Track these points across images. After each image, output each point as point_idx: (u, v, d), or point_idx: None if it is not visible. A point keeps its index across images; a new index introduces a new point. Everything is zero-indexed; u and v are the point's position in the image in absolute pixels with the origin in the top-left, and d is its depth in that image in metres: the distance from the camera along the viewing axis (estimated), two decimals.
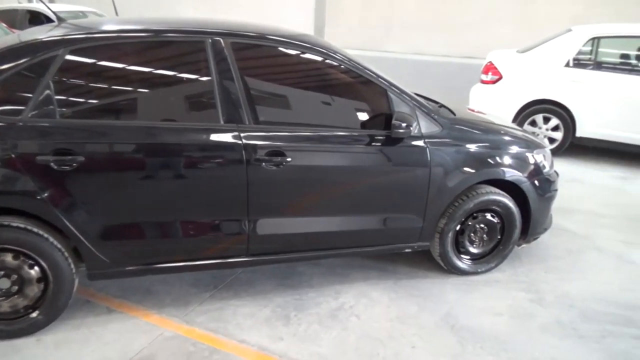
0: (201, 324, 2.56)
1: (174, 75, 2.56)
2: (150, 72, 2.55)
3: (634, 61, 5.78)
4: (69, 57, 2.30)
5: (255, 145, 2.46)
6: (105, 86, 2.48)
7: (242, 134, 2.44)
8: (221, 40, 2.49)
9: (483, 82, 6.03)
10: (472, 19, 9.89)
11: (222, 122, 2.44)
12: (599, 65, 5.69)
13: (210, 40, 2.48)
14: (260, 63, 2.78)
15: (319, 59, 2.71)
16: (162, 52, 2.57)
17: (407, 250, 2.99)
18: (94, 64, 2.40)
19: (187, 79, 2.59)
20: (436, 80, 8.26)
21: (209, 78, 2.47)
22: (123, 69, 2.47)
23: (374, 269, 3.16)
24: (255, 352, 2.38)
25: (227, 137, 2.43)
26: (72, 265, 2.39)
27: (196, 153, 2.44)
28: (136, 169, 2.38)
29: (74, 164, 2.23)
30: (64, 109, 2.29)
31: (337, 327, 2.59)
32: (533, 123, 5.83)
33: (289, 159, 2.50)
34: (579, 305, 2.87)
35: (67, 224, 2.30)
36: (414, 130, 2.72)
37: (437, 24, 10.29)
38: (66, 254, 2.35)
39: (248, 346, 2.42)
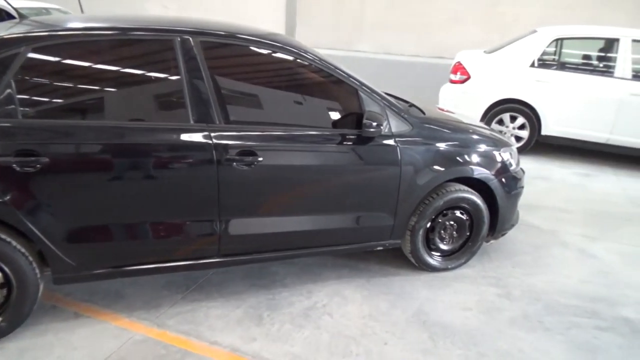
0: (172, 326, 2.53)
1: (142, 75, 2.52)
2: (117, 71, 2.50)
3: (594, 62, 6.00)
4: (31, 55, 2.23)
5: (226, 144, 2.44)
6: (70, 85, 2.41)
7: (212, 134, 2.42)
8: (190, 39, 2.46)
9: (452, 81, 6.14)
10: (441, 20, 10.06)
11: (191, 121, 2.41)
12: (562, 66, 5.89)
13: (179, 39, 2.45)
14: (231, 62, 2.76)
15: (290, 58, 2.71)
16: (129, 51, 2.51)
17: (379, 248, 3.03)
18: (58, 62, 2.34)
19: (156, 78, 2.54)
20: (406, 79, 8.37)
21: (178, 77, 2.43)
22: (89, 67, 2.41)
23: (346, 267, 3.18)
24: (227, 353, 2.37)
25: (197, 137, 2.40)
26: (37, 270, 2.32)
27: (165, 153, 2.40)
28: (104, 170, 2.32)
29: (38, 166, 2.17)
30: (26, 109, 2.22)
31: (310, 326, 2.60)
32: (500, 122, 5.97)
33: (260, 159, 2.49)
34: (545, 299, 2.96)
35: (31, 227, 2.23)
36: (385, 129, 2.75)
37: (407, 24, 10.41)
38: (30, 258, 2.28)
39: (220, 348, 2.40)
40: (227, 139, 2.46)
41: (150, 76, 2.52)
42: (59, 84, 2.37)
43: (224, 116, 2.49)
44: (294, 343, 2.46)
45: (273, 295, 2.84)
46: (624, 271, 3.36)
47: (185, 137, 2.40)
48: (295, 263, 3.18)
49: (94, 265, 2.43)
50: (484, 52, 6.30)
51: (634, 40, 5.51)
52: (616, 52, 5.57)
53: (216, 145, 2.42)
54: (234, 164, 2.45)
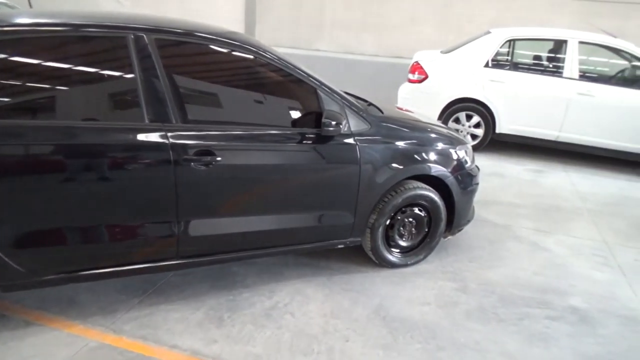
0: (129, 331, 2.47)
1: (95, 73, 2.43)
2: (68, 69, 2.40)
3: (545, 62, 6.25)
4: None
5: (183, 144, 2.40)
6: (18, 84, 2.31)
7: (168, 134, 2.37)
8: (144, 37, 2.40)
9: (410, 81, 6.26)
10: (399, 20, 10.22)
11: (146, 121, 2.35)
12: (514, 66, 6.10)
13: (132, 36, 2.38)
14: (188, 61, 2.71)
15: (249, 57, 2.68)
16: (80, 48, 2.42)
17: (340, 246, 3.05)
18: (4, 60, 2.22)
19: (109, 76, 2.46)
20: (366, 79, 8.46)
21: (131, 75, 2.37)
22: (38, 65, 2.31)
23: (308, 266, 3.19)
24: (187, 357, 2.33)
25: (152, 137, 2.35)
26: None
27: (120, 154, 2.33)
28: (54, 172, 2.23)
29: None
30: None
31: (272, 326, 2.59)
32: (457, 120, 6.13)
33: (218, 159, 2.46)
34: (499, 291, 3.06)
35: None
36: (344, 128, 2.77)
37: (366, 24, 10.52)
38: None
39: (180, 351, 2.36)
40: (184, 138, 2.41)
41: (103, 74, 2.44)
42: (6, 82, 2.26)
43: (181, 115, 2.44)
44: (255, 343, 2.44)
45: (234, 296, 2.82)
46: (572, 263, 3.52)
47: (140, 137, 2.33)
48: (256, 263, 3.16)
49: (45, 271, 2.33)
50: (441, 52, 6.45)
51: (580, 42, 5.78)
52: (564, 54, 5.83)
53: (173, 145, 2.37)
54: (192, 164, 2.41)
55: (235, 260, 2.97)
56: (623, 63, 5.95)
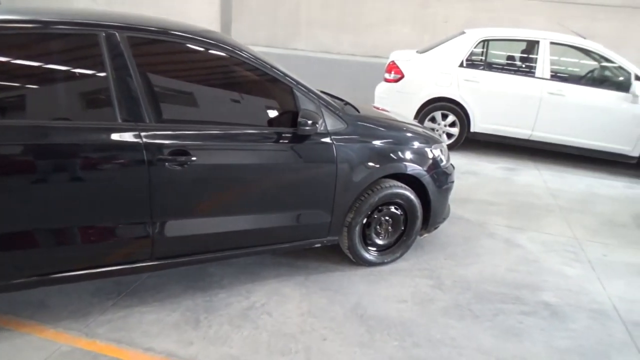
0: (103, 335, 2.42)
1: (66, 71, 2.38)
2: (38, 67, 2.34)
3: (517, 62, 6.37)
4: None
5: (157, 144, 2.36)
6: None
7: (142, 133, 2.33)
8: (116, 34, 2.35)
9: (387, 80, 6.30)
10: (376, 20, 10.29)
11: (119, 120, 2.31)
12: (488, 66, 6.20)
13: (104, 34, 2.33)
14: (162, 59, 2.67)
15: (225, 56, 2.65)
16: (51, 46, 2.36)
17: (317, 245, 3.05)
18: None
19: (81, 74, 2.42)
20: (343, 78, 8.49)
21: (103, 74, 2.32)
22: (7, 63, 2.23)
23: (285, 266, 3.18)
24: (162, 359, 2.30)
25: (125, 137, 2.30)
26: None
27: (92, 154, 2.29)
28: (24, 173, 2.17)
29: None
30: None
31: (249, 326, 2.57)
32: (433, 119, 6.20)
33: (193, 158, 2.43)
34: (474, 288, 3.11)
35: None
36: (320, 127, 2.77)
37: (343, 23, 10.56)
38: None
39: (155, 354, 2.32)
40: (159, 138, 2.38)
41: (74, 73, 2.39)
42: None
43: (155, 115, 2.41)
44: (232, 344, 2.43)
45: (210, 297, 2.79)
46: (544, 259, 3.60)
47: (112, 136, 2.29)
48: (233, 263, 3.14)
49: (14, 275, 2.26)
50: (417, 52, 6.51)
51: (551, 43, 5.92)
52: (536, 54, 5.96)
53: (146, 145, 2.33)
54: (166, 164, 2.38)
55: (212, 261, 2.94)
56: (592, 64, 6.12)
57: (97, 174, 2.31)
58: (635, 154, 5.79)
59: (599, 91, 5.81)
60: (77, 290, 2.73)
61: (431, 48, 6.37)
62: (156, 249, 2.51)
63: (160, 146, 2.37)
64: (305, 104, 2.78)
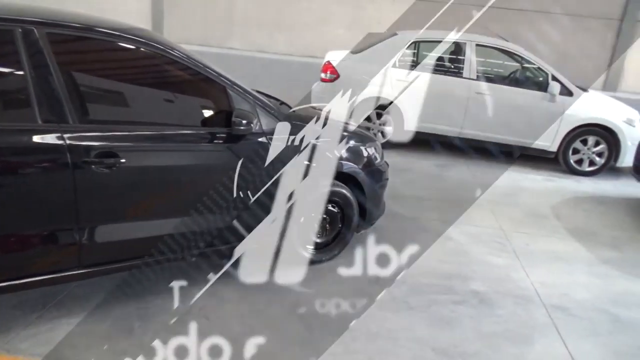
0: (26, 350, 2.27)
1: None
2: None
3: (447, 63, 6.65)
4: None
5: (82, 146, 2.25)
6: None
7: (65, 135, 2.21)
8: (35, 31, 2.22)
9: (323, 80, 6.36)
10: (311, 20, 10.36)
11: (39, 121, 2.18)
12: (419, 66, 6.41)
13: (20, 30, 2.19)
14: (87, 58, 2.56)
15: (155, 54, 2.57)
16: None
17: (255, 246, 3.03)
18: None
19: None
20: (280, 78, 8.47)
21: (21, 73, 2.18)
22: None
23: (222, 268, 3.13)
24: None
25: (46, 139, 2.18)
26: None
27: (11, 157, 2.15)
28: None
29: None
30: None
31: (186, 331, 2.51)
32: (368, 119, 6.33)
33: (122, 160, 2.34)
34: (409, 281, 3.22)
35: None
36: (255, 127, 2.76)
37: (278, 23, 10.55)
38: None
39: None
40: (84, 139, 2.27)
41: None
42: None
43: (80, 115, 2.29)
44: (168, 352, 2.36)
45: (145, 304, 2.70)
46: (473, 250, 3.79)
47: (32, 138, 2.16)
48: (167, 268, 3.04)
49: None
50: (351, 52, 6.62)
51: (477, 45, 6.23)
52: (464, 55, 6.25)
53: (70, 147, 2.21)
54: (93, 166, 2.27)
55: (145, 267, 2.84)
56: (515, 65, 6.51)
57: (18, 178, 2.17)
58: (553, 149, 6.22)
59: (520, 91, 6.20)
60: None
61: (365, 49, 6.50)
62: (84, 256, 2.39)
63: (86, 148, 2.26)
64: (240, 104, 2.75)
